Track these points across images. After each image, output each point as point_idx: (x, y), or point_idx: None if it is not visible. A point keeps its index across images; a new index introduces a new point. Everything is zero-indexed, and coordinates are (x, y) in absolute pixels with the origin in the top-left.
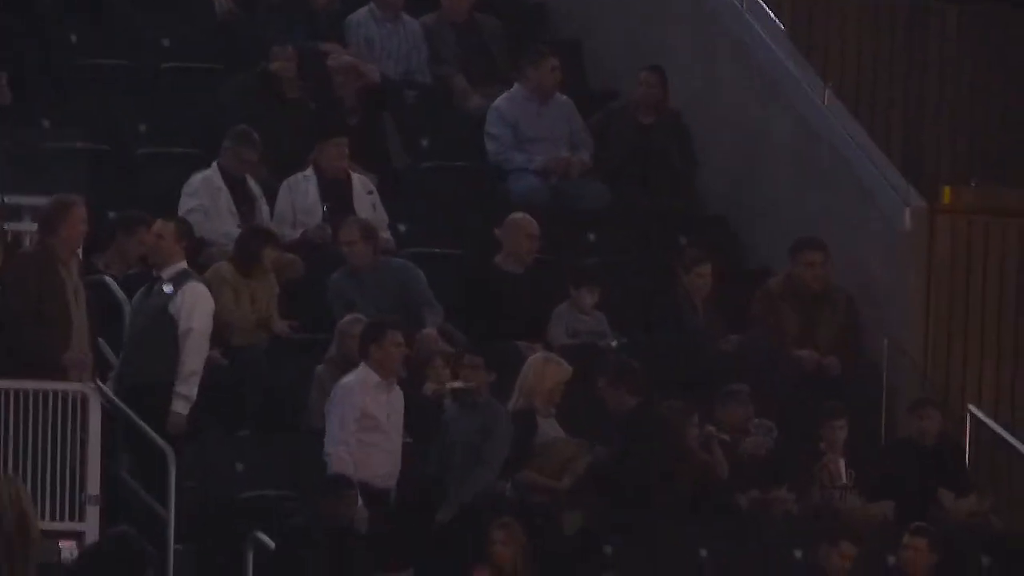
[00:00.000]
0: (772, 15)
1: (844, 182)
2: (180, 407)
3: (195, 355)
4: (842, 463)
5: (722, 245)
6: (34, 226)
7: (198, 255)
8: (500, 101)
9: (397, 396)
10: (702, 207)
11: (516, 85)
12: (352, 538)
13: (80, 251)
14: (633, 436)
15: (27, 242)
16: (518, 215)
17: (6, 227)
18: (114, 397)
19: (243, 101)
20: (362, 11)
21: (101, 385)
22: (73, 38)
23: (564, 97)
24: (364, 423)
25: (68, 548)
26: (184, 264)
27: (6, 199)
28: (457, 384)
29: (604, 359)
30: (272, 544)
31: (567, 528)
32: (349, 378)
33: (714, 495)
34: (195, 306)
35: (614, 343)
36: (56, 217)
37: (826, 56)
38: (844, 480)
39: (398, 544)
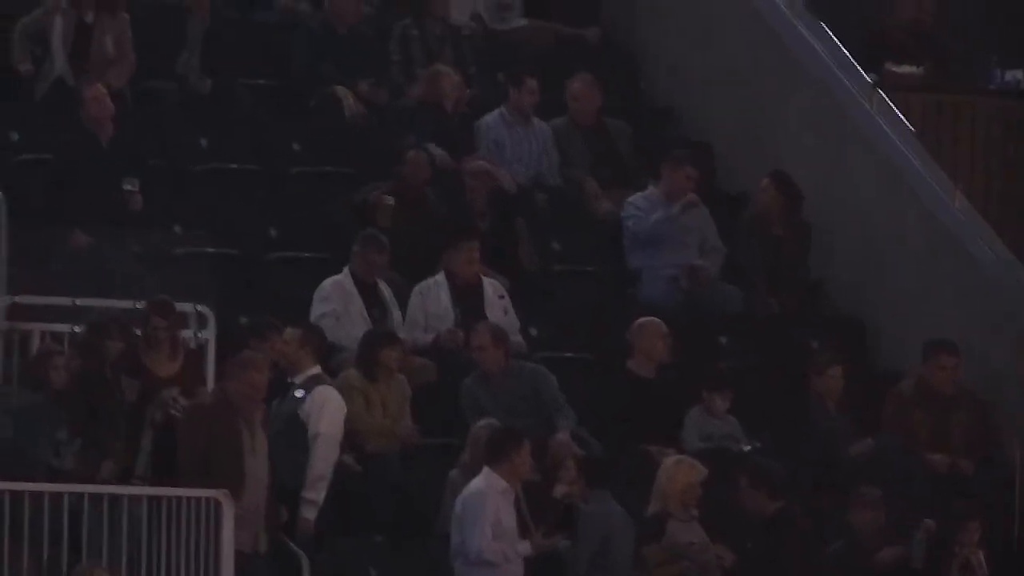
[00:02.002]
0: (900, 115)
1: (974, 283)
2: (307, 512)
3: (323, 460)
4: (982, 556)
5: (852, 347)
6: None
7: (329, 360)
8: (635, 200)
9: (511, 501)
10: (832, 308)
11: (650, 187)
12: None
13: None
14: (774, 542)
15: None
16: (648, 319)
17: (182, 334)
18: None
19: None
20: (493, 115)
21: None
22: (203, 143)
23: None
24: (495, 530)
25: None
26: (317, 369)
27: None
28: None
29: (745, 461)
30: None
31: None
32: (479, 485)
33: None
34: (323, 410)
35: (747, 447)
36: (232, 368)
37: (954, 157)
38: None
39: None
